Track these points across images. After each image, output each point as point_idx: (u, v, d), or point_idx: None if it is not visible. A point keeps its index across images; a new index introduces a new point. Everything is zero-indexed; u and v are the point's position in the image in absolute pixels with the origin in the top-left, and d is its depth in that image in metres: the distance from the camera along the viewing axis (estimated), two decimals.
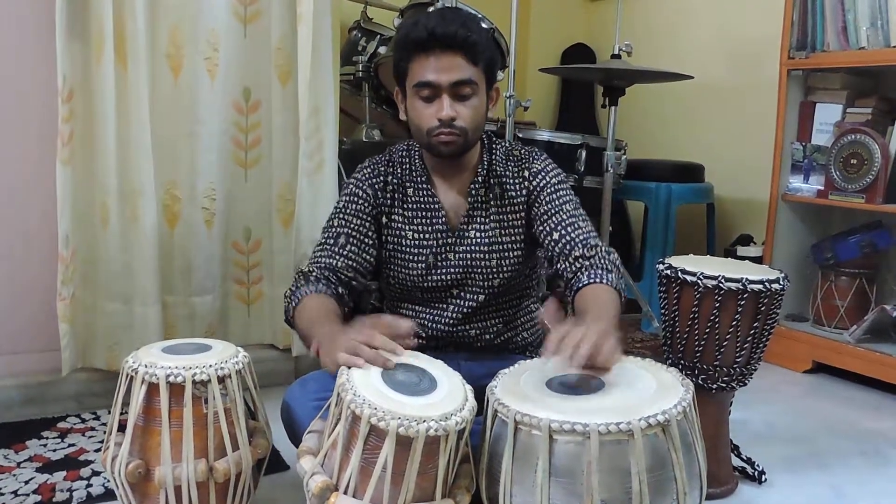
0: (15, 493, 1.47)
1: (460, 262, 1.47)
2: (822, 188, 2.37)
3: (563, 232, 1.41)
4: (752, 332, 1.48)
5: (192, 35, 1.93)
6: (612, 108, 2.39)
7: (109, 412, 1.29)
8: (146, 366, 1.20)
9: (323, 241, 1.46)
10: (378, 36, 2.48)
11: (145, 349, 1.29)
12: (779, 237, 2.49)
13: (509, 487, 1.02)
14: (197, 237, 2.01)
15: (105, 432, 1.32)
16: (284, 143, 2.05)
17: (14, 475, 1.54)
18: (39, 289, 1.86)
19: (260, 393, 1.34)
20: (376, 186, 1.48)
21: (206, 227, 2.02)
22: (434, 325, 1.51)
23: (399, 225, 1.48)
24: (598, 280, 1.32)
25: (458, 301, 1.50)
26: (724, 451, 1.57)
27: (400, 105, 1.45)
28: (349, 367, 1.08)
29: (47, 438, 1.73)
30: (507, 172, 1.48)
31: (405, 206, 1.48)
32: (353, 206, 1.47)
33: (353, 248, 1.44)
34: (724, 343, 1.47)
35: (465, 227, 1.47)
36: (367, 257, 1.46)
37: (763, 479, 1.61)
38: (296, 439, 1.28)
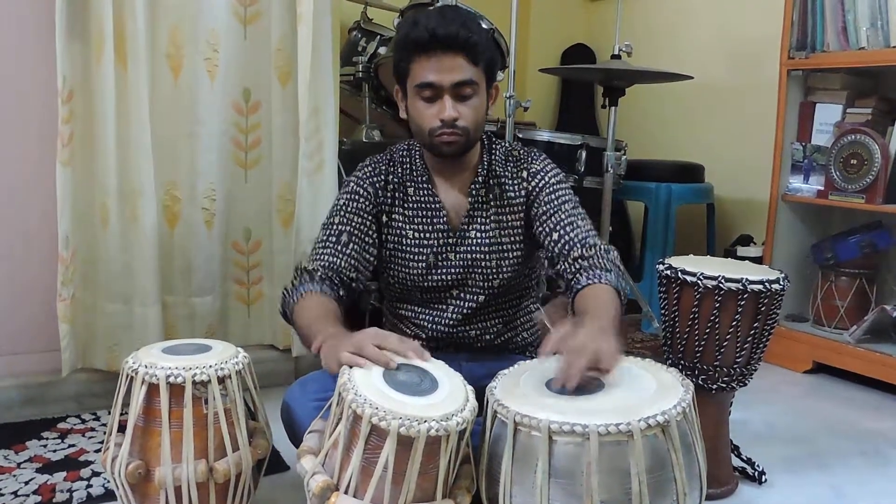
0: (15, 493, 1.47)
1: (461, 263, 1.47)
2: (822, 188, 2.37)
3: (561, 232, 1.41)
4: (752, 332, 1.48)
5: (192, 35, 1.93)
6: (612, 108, 2.39)
7: (109, 413, 1.29)
8: (146, 366, 1.20)
9: (325, 238, 1.46)
10: (378, 36, 2.48)
11: (145, 350, 1.28)
12: (779, 237, 2.49)
13: (509, 488, 1.02)
14: (197, 237, 2.01)
15: (105, 433, 1.32)
16: (284, 143, 2.05)
17: (14, 476, 1.54)
18: (39, 289, 1.86)
19: (260, 393, 1.34)
20: (377, 185, 1.48)
21: (206, 228, 2.02)
22: (434, 326, 1.51)
23: (399, 224, 1.48)
24: (597, 280, 1.32)
25: (457, 302, 1.50)
26: (724, 451, 1.57)
27: (400, 104, 1.46)
28: (351, 367, 1.08)
29: (47, 439, 1.73)
30: (506, 173, 1.48)
31: (406, 205, 1.48)
32: (354, 204, 1.47)
33: (355, 246, 1.44)
34: (724, 343, 1.47)
35: (466, 227, 1.47)
36: (369, 256, 1.47)
37: (763, 479, 1.61)
38: (296, 439, 1.28)
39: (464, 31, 1.33)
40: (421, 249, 1.47)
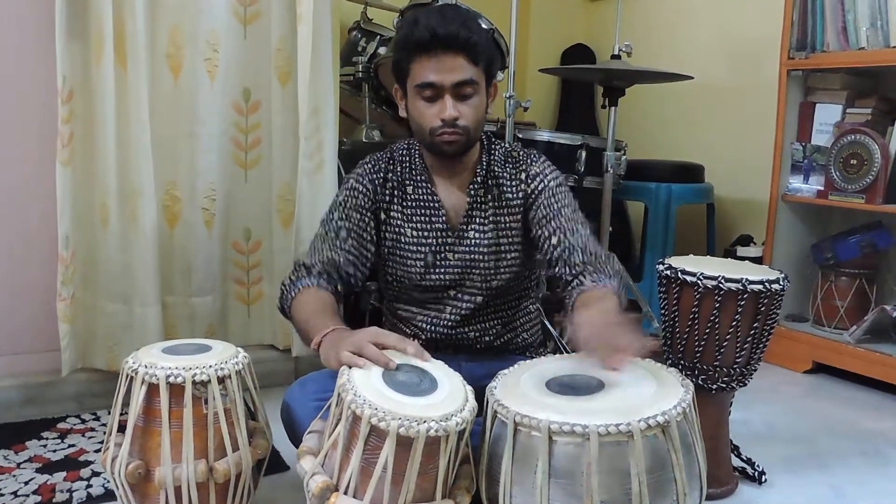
0: (15, 493, 1.47)
1: (459, 263, 1.47)
2: (821, 188, 2.37)
3: (561, 237, 1.41)
4: (752, 332, 1.48)
5: (192, 35, 1.93)
6: (611, 108, 2.39)
7: (109, 413, 1.29)
8: (146, 366, 1.20)
9: (323, 233, 1.47)
10: (378, 36, 2.48)
11: (145, 350, 1.29)
12: (779, 237, 2.49)
13: (509, 488, 1.02)
14: (197, 238, 2.01)
15: (105, 433, 1.32)
16: (284, 143, 2.05)
17: (14, 476, 1.54)
18: (39, 289, 1.87)
19: (260, 393, 1.34)
20: (376, 182, 1.48)
21: (206, 228, 2.02)
22: (432, 327, 1.51)
23: (398, 222, 1.48)
24: (600, 283, 1.32)
25: (455, 302, 1.50)
26: (724, 451, 1.57)
27: (399, 103, 1.46)
28: (350, 367, 1.08)
29: (47, 439, 1.73)
30: (505, 174, 1.48)
31: (404, 203, 1.49)
32: (354, 200, 1.47)
33: (353, 242, 1.45)
34: (724, 343, 1.47)
35: (465, 226, 1.47)
36: (367, 253, 1.47)
37: (763, 479, 1.61)
38: (296, 440, 1.28)
39: (464, 31, 1.33)
40: (419, 248, 1.48)
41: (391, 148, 1.54)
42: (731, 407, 1.59)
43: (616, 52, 2.45)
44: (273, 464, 1.51)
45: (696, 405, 1.06)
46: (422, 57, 1.34)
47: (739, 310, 1.45)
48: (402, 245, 1.48)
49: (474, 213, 1.47)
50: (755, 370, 1.54)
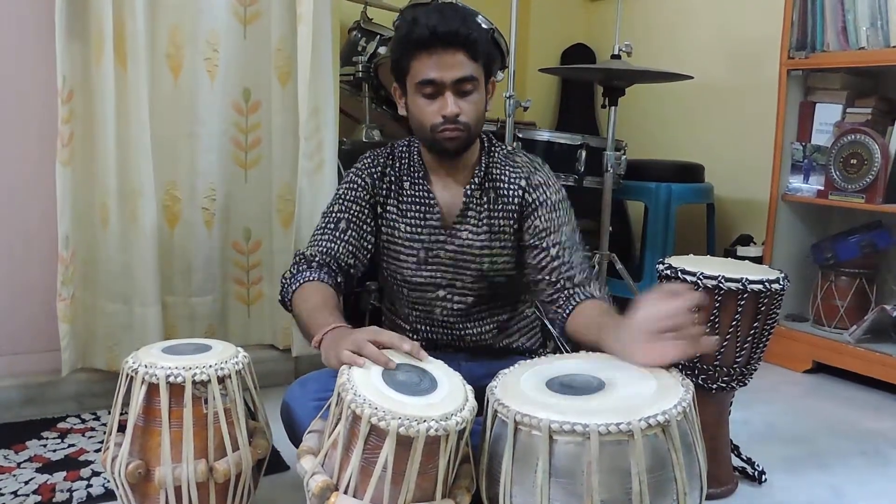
0: (15, 493, 1.47)
1: (450, 261, 1.48)
2: (822, 188, 2.37)
3: (559, 250, 1.41)
4: (752, 332, 1.48)
5: (192, 35, 1.93)
6: (611, 108, 2.39)
7: (109, 412, 1.29)
8: (146, 366, 1.20)
9: (323, 225, 1.48)
10: (378, 36, 2.48)
11: (145, 349, 1.29)
12: (779, 237, 2.49)
13: (509, 488, 1.02)
14: (197, 238, 2.01)
15: (105, 433, 1.32)
16: (284, 143, 2.05)
17: (14, 475, 1.54)
18: (39, 289, 1.86)
19: (260, 393, 1.34)
20: (374, 176, 1.49)
21: (206, 228, 2.02)
22: (428, 326, 1.52)
23: (393, 216, 1.49)
24: (604, 300, 1.34)
25: (445, 304, 1.50)
26: (724, 451, 1.57)
27: (399, 101, 1.46)
28: (350, 367, 1.08)
29: (47, 439, 1.73)
30: (504, 177, 1.48)
31: (400, 198, 1.49)
32: (353, 193, 1.48)
33: (353, 233, 1.46)
34: (724, 343, 1.47)
35: (459, 226, 1.47)
36: (366, 244, 1.48)
37: (763, 479, 1.61)
38: (296, 439, 1.28)
39: (464, 28, 1.34)
40: (412, 244, 1.48)
41: (392, 144, 1.55)
42: (731, 407, 1.59)
43: (616, 52, 2.45)
44: (273, 464, 1.51)
45: (696, 405, 1.06)
46: (422, 54, 1.34)
47: (739, 309, 1.45)
48: (396, 240, 1.49)
49: (469, 214, 1.47)
50: (755, 370, 1.54)
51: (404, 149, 1.52)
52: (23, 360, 1.89)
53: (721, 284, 1.44)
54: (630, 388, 1.06)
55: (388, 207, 1.50)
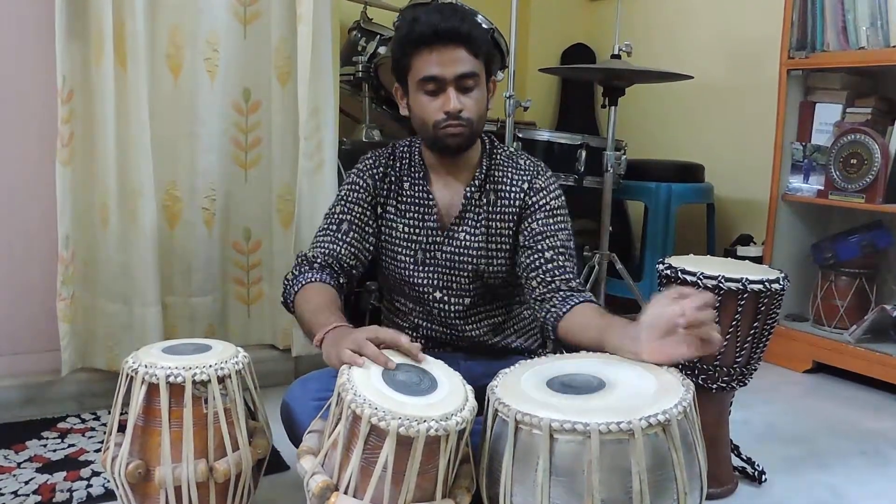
0: (15, 493, 1.47)
1: (447, 262, 1.48)
2: (822, 188, 2.37)
3: (553, 254, 1.41)
4: (752, 331, 1.48)
5: (192, 35, 1.93)
6: (611, 108, 2.39)
7: (109, 412, 1.29)
8: (146, 366, 1.20)
9: (325, 226, 1.48)
10: (378, 36, 2.48)
11: (145, 349, 1.28)
12: (779, 237, 2.49)
13: (510, 487, 1.02)
14: (197, 238, 2.01)
15: (105, 433, 1.32)
16: (284, 143, 2.05)
17: (14, 475, 1.54)
18: (39, 289, 1.86)
19: (260, 393, 1.34)
20: (375, 177, 1.50)
21: (206, 228, 2.02)
22: (426, 325, 1.53)
23: (392, 217, 1.49)
24: (601, 306, 1.34)
25: (442, 305, 1.50)
26: (724, 451, 1.57)
27: (400, 101, 1.46)
28: (350, 367, 1.08)
29: (47, 439, 1.73)
30: (506, 179, 1.48)
31: (400, 198, 1.49)
32: (354, 194, 1.49)
33: (355, 234, 1.46)
34: (724, 343, 1.47)
35: (456, 227, 1.47)
36: (368, 245, 1.48)
37: (763, 479, 1.61)
38: (296, 439, 1.28)
39: (465, 25, 1.35)
40: (409, 244, 1.48)
41: (394, 144, 1.55)
42: (731, 406, 1.59)
43: (616, 52, 2.45)
44: (273, 464, 1.50)
45: (696, 404, 1.06)
46: (423, 51, 1.35)
47: (739, 309, 1.45)
48: (395, 240, 1.49)
49: (467, 215, 1.47)
50: (755, 370, 1.54)
51: (405, 149, 1.53)
52: (23, 360, 1.89)
53: (721, 284, 1.44)
54: (630, 388, 1.06)
55: (388, 208, 1.50)
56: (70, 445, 1.69)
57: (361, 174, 1.50)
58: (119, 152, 1.82)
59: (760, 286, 1.44)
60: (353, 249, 1.46)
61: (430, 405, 1.02)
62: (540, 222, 1.44)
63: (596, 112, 3.65)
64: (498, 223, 1.47)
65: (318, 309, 1.30)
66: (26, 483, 1.51)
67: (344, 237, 1.45)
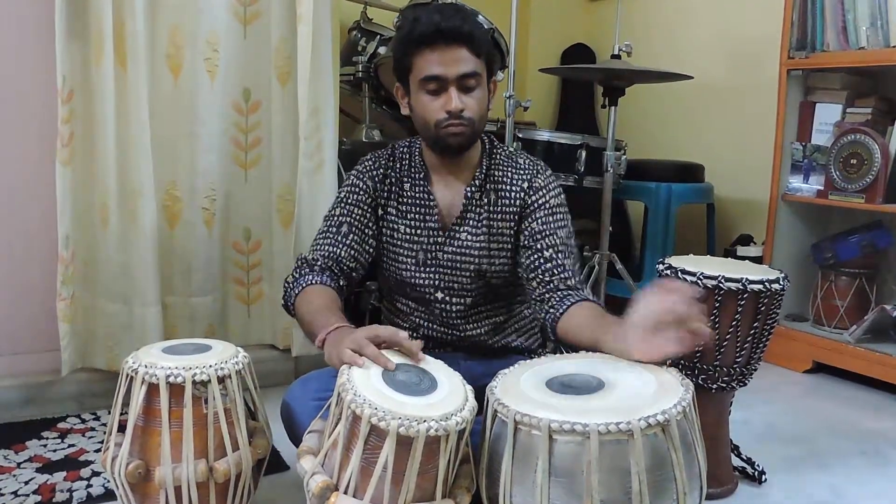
0: (15, 493, 1.47)
1: (448, 263, 1.48)
2: (822, 188, 2.37)
3: (553, 253, 1.41)
4: (752, 332, 1.48)
5: (192, 35, 1.93)
6: (611, 108, 2.39)
7: (109, 412, 1.29)
8: (146, 366, 1.20)
9: (325, 228, 1.48)
10: (378, 36, 2.48)
11: (145, 349, 1.28)
12: (779, 237, 2.49)
13: (509, 487, 1.02)
14: (197, 238, 2.01)
15: (105, 433, 1.32)
16: (284, 143, 2.05)
17: (14, 475, 1.54)
18: (39, 289, 1.87)
19: (260, 393, 1.34)
20: (376, 178, 1.50)
21: (206, 228, 2.02)
22: (427, 324, 1.53)
23: (393, 218, 1.49)
24: (599, 305, 1.34)
25: (443, 305, 1.50)
26: (724, 451, 1.57)
27: (401, 101, 1.46)
28: (350, 367, 1.08)
29: (47, 439, 1.73)
30: (506, 179, 1.48)
31: (401, 200, 1.49)
32: (354, 196, 1.48)
33: (354, 237, 1.46)
34: (724, 343, 1.47)
35: (458, 227, 1.47)
36: (368, 248, 1.48)
37: (763, 479, 1.61)
38: (296, 439, 1.28)
39: (466, 25, 1.35)
40: (411, 245, 1.48)
41: (393, 145, 1.55)
42: (731, 406, 1.59)
43: (616, 52, 2.45)
44: (273, 464, 1.51)
45: (696, 404, 1.06)
46: (425, 51, 1.35)
47: (739, 309, 1.45)
48: (396, 242, 1.49)
49: (468, 215, 1.47)
50: (755, 370, 1.54)
51: (405, 150, 1.52)
52: (23, 360, 1.89)
53: (721, 284, 1.44)
54: (630, 388, 1.06)
55: (388, 209, 1.50)
56: (70, 445, 1.69)
57: (361, 176, 1.50)
58: (119, 152, 1.83)
59: (760, 286, 1.44)
60: (352, 252, 1.45)
61: (430, 405, 1.02)
62: (540, 221, 1.44)
63: (596, 112, 3.65)
64: (499, 223, 1.47)
65: (320, 310, 1.30)
66: (26, 483, 1.51)
67: (344, 239, 1.45)
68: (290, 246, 2.04)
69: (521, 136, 2.44)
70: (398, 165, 1.51)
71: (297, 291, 1.39)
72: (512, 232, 1.47)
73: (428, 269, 1.48)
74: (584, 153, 2.46)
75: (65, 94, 1.75)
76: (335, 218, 1.48)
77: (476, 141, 1.45)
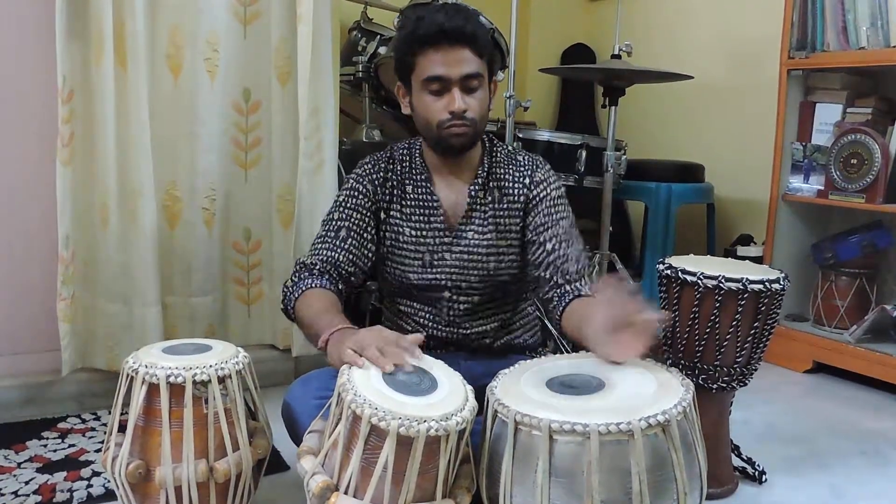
0: (15, 493, 1.47)
1: (456, 262, 1.48)
2: (822, 188, 2.37)
3: (556, 244, 1.42)
4: (752, 332, 1.48)
5: (192, 36, 1.93)
6: (612, 108, 2.39)
7: (110, 412, 1.29)
8: (146, 366, 1.20)
9: (324, 233, 1.47)
10: (378, 36, 2.48)
11: (145, 349, 1.29)
12: (779, 237, 2.49)
13: (509, 488, 1.02)
14: (197, 238, 2.01)
15: (105, 433, 1.32)
16: (284, 143, 2.05)
17: (14, 476, 1.54)
18: (39, 289, 1.87)
19: (260, 393, 1.34)
20: (376, 182, 1.49)
21: (206, 228, 2.02)
22: (432, 324, 1.52)
23: (397, 221, 1.49)
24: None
25: (451, 304, 1.50)
26: (724, 451, 1.57)
27: (403, 100, 1.46)
28: (350, 367, 1.08)
29: (48, 439, 1.73)
30: (508, 176, 1.48)
31: (404, 202, 1.49)
32: (354, 200, 1.48)
33: (353, 242, 1.45)
34: (725, 343, 1.47)
35: (463, 227, 1.47)
36: (367, 252, 1.48)
37: (763, 479, 1.61)
38: (297, 438, 1.28)
39: (469, 25, 1.35)
40: (417, 247, 1.48)
41: (391, 147, 1.54)
42: (731, 407, 1.59)
43: (616, 52, 2.45)
44: (273, 464, 1.50)
45: (696, 405, 1.07)
46: (428, 51, 1.35)
47: (740, 309, 1.45)
48: (401, 244, 1.49)
49: (474, 214, 1.47)
50: (755, 370, 1.54)
51: (404, 151, 1.52)
52: (23, 360, 1.89)
53: (721, 284, 1.44)
54: (630, 388, 1.06)
55: (391, 213, 1.49)
56: (70, 445, 1.69)
57: (361, 180, 1.49)
58: (119, 152, 1.83)
59: (761, 286, 1.44)
60: (351, 257, 1.45)
61: (430, 405, 1.02)
62: (542, 214, 1.45)
63: (596, 112, 3.65)
64: (506, 219, 1.47)
65: (321, 312, 1.30)
66: (26, 483, 1.51)
67: (342, 244, 1.45)
68: (290, 246, 2.04)
69: (521, 136, 2.44)
70: (398, 168, 1.50)
71: (296, 295, 1.38)
72: (518, 228, 1.48)
73: (435, 270, 1.48)
74: (584, 153, 2.46)
75: (65, 94, 1.75)
76: (333, 222, 1.47)
77: (478, 141, 1.46)
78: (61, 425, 1.81)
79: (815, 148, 2.41)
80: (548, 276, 1.40)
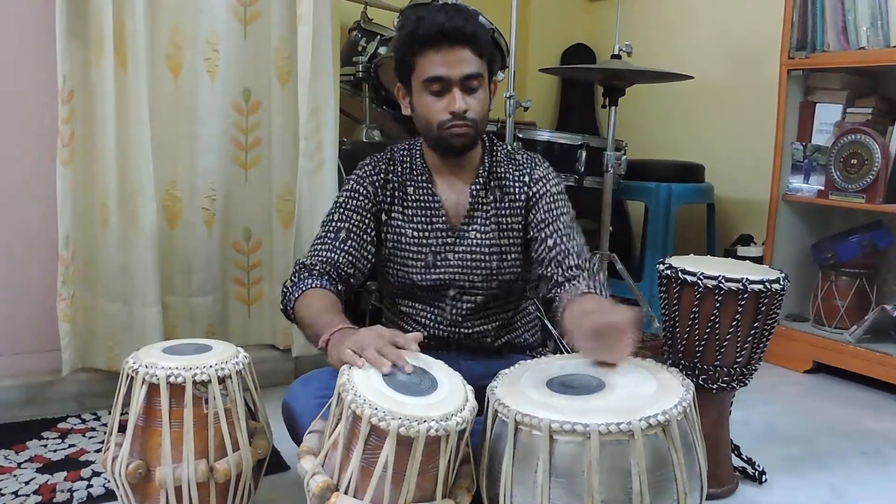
0: (15, 493, 1.47)
1: (459, 263, 1.47)
2: (822, 188, 2.37)
3: (557, 240, 1.42)
4: (752, 332, 1.48)
5: (192, 36, 1.93)
6: (612, 108, 2.39)
7: (110, 413, 1.29)
8: (146, 366, 1.20)
9: (323, 234, 1.47)
10: (378, 36, 2.48)
11: (145, 350, 1.29)
12: (779, 237, 2.49)
13: (510, 488, 1.02)
14: (197, 238, 2.01)
15: (105, 433, 1.32)
16: (284, 143, 2.05)
17: (15, 476, 1.54)
18: (39, 289, 1.87)
19: (260, 393, 1.34)
20: (377, 184, 1.49)
21: (206, 228, 2.02)
22: (434, 325, 1.52)
23: (398, 223, 1.48)
24: (596, 291, 1.34)
25: (455, 303, 1.50)
26: (724, 451, 1.57)
27: (403, 101, 1.46)
28: (350, 367, 1.08)
29: (48, 439, 1.73)
30: (508, 175, 1.48)
31: (405, 203, 1.49)
32: (354, 201, 1.47)
33: (353, 243, 1.45)
34: (725, 343, 1.47)
35: (466, 227, 1.47)
36: (367, 254, 1.47)
37: (763, 479, 1.61)
38: (297, 438, 1.28)
39: (469, 25, 1.35)
40: (420, 248, 1.48)
41: (391, 148, 1.54)
42: (731, 407, 1.59)
43: (616, 52, 2.45)
44: (273, 464, 1.50)
45: (696, 405, 1.07)
46: (428, 51, 1.35)
47: (740, 309, 1.45)
48: (403, 245, 1.48)
49: (476, 214, 1.47)
50: (755, 370, 1.54)
51: (405, 152, 1.52)
52: (23, 360, 1.89)
53: (721, 284, 1.44)
54: (630, 388, 1.06)
55: (392, 214, 1.49)
56: (70, 446, 1.69)
57: (361, 181, 1.49)
58: (119, 152, 1.83)
59: (761, 286, 1.44)
60: (350, 258, 1.44)
61: (430, 405, 1.02)
62: (543, 210, 1.45)
63: (596, 112, 3.65)
64: (508, 218, 1.47)
65: (321, 312, 1.30)
66: (27, 483, 1.51)
67: (342, 245, 1.44)
68: (291, 246, 2.04)
69: (521, 136, 2.44)
70: (399, 169, 1.50)
71: (296, 295, 1.38)
72: (520, 226, 1.48)
73: (438, 271, 1.48)
74: (584, 153, 2.46)
75: (65, 94, 1.75)
76: (333, 223, 1.46)
77: (478, 141, 1.46)
78: (61, 425, 1.81)
79: (815, 148, 2.41)
80: (549, 274, 1.40)
